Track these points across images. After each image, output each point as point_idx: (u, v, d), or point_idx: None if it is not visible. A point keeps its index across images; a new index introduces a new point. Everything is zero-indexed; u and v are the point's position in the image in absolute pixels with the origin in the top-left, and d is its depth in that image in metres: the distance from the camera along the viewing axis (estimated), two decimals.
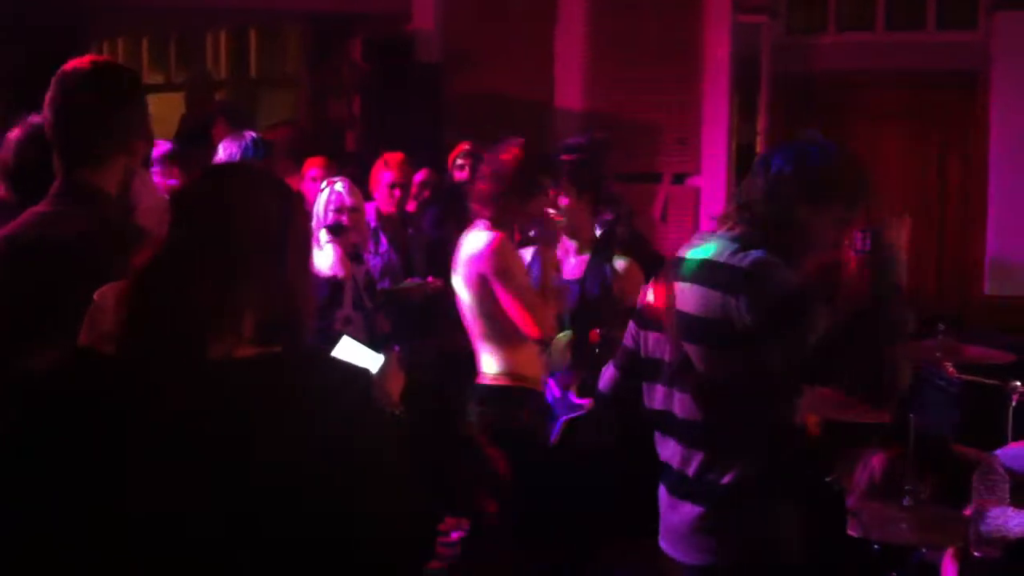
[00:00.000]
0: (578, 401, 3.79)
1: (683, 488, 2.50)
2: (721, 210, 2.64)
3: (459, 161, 5.36)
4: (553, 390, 3.86)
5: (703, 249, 2.48)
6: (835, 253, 2.39)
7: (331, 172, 4.76)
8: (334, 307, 4.19)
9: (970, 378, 3.53)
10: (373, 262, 4.81)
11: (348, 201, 4.32)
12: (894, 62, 6.97)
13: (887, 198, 6.64)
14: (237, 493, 1.45)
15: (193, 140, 4.92)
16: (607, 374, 2.84)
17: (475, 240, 3.61)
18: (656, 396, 2.56)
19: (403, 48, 7.26)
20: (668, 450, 2.55)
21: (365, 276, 4.49)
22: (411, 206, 5.21)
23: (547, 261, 3.73)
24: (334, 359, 1.71)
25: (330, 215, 4.27)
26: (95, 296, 1.69)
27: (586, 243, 4.08)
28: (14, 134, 2.60)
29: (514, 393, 3.63)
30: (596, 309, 3.93)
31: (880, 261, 2.34)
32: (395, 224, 5.05)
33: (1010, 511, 2.56)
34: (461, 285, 3.64)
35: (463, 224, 5.16)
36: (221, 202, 1.58)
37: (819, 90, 7.10)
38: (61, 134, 2.34)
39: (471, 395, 3.73)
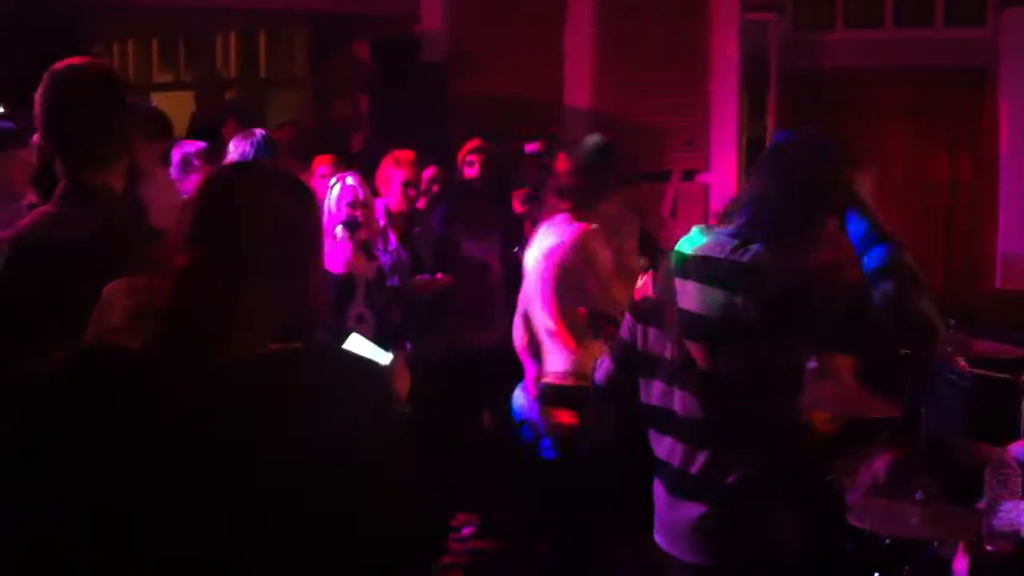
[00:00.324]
0: None
1: (685, 486, 2.49)
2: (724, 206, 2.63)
3: (469, 158, 5.36)
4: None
5: (703, 245, 2.45)
6: (837, 253, 2.37)
7: (340, 170, 4.76)
8: (346, 304, 4.17)
9: (982, 372, 3.52)
10: (383, 259, 4.82)
11: (360, 195, 4.32)
12: (902, 58, 6.95)
13: (896, 195, 6.64)
14: (244, 493, 1.44)
15: (204, 139, 4.92)
16: (603, 366, 2.83)
17: (558, 231, 3.57)
18: (654, 392, 2.55)
19: (410, 48, 7.26)
20: (666, 447, 2.53)
21: (377, 272, 4.48)
22: (420, 203, 5.22)
23: (627, 253, 3.71)
24: (350, 355, 1.70)
25: (343, 210, 4.26)
26: (104, 291, 1.70)
27: None
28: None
29: (580, 393, 3.61)
30: None
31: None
32: (404, 221, 5.05)
33: (1023, 505, 2.55)
34: (535, 277, 3.57)
35: (471, 221, 5.19)
36: (232, 202, 1.58)
37: (828, 87, 7.09)
38: (64, 135, 2.35)
39: (488, 394, 3.72)
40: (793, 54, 7.04)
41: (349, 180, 4.34)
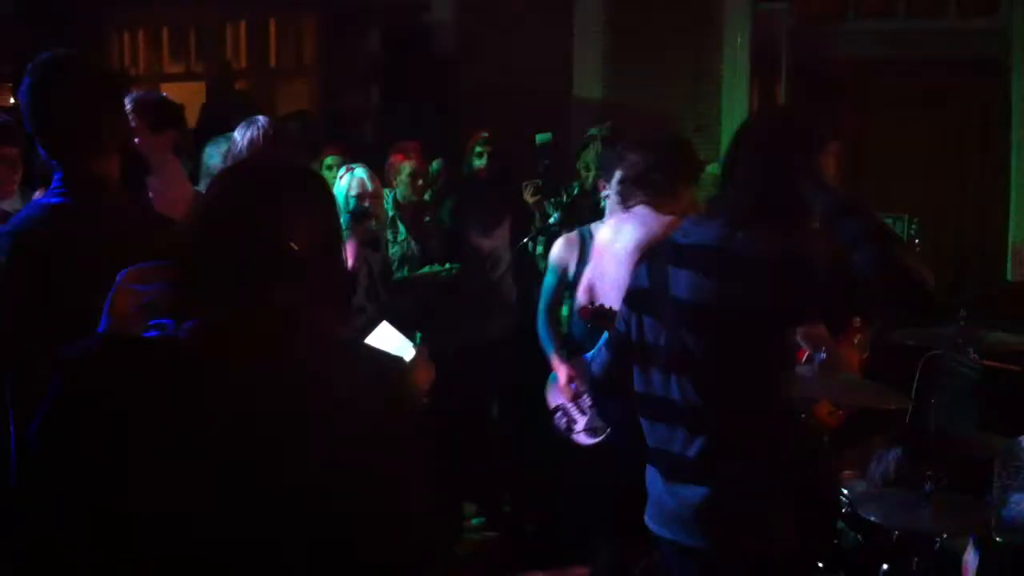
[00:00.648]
0: None
1: (682, 472, 2.50)
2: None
3: (478, 149, 5.36)
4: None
5: (695, 233, 2.49)
6: (833, 246, 2.36)
7: (348, 161, 4.76)
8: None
9: (992, 364, 3.52)
10: (391, 251, 4.82)
11: (369, 186, 4.32)
12: (914, 48, 6.91)
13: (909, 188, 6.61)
14: (245, 493, 1.44)
15: (214, 129, 4.93)
16: (600, 358, 2.83)
17: (643, 222, 3.54)
18: (652, 380, 2.56)
19: (421, 39, 7.26)
20: (663, 434, 2.54)
21: (382, 263, 4.48)
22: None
23: None
24: (366, 352, 1.69)
25: (351, 201, 4.27)
26: (117, 280, 1.70)
27: None
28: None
29: None
30: None
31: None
32: (413, 212, 5.06)
33: None
34: (621, 272, 3.47)
35: (480, 212, 5.19)
36: (241, 203, 1.57)
37: (838, 76, 7.05)
38: (60, 126, 2.32)
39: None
40: (804, 43, 7.00)
41: (358, 171, 4.34)
